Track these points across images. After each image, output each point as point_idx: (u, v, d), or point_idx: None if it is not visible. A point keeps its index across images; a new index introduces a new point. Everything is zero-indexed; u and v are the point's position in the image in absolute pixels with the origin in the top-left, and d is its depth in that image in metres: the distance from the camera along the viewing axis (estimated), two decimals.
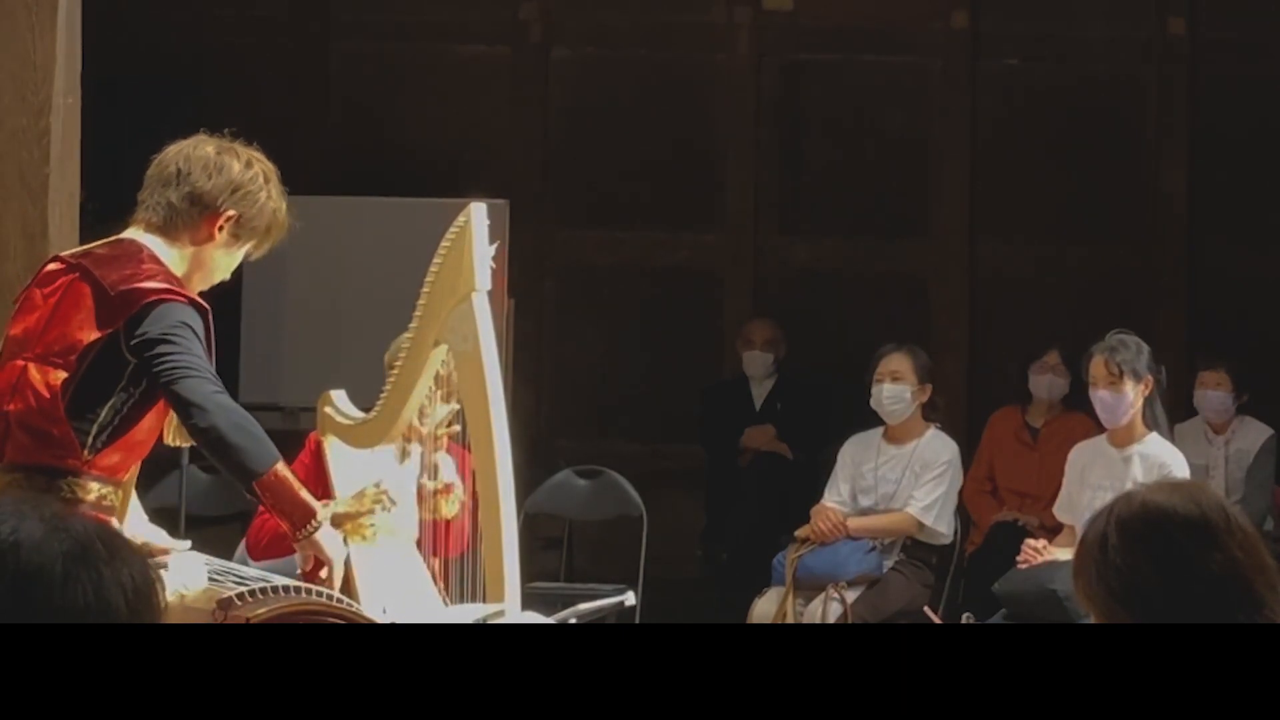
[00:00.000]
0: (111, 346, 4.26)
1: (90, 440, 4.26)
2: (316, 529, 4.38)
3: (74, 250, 4.52)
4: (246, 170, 4.46)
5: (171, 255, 4.41)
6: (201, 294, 4.43)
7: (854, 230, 10.23)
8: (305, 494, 4.39)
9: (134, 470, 4.44)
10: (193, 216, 4.41)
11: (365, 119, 10.29)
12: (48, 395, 4.25)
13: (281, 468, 4.32)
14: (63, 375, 4.26)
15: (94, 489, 4.27)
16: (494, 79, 10.33)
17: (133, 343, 4.25)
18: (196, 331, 4.28)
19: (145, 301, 4.25)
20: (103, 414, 4.27)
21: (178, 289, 4.31)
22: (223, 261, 4.49)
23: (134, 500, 4.51)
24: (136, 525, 4.46)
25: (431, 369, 4.86)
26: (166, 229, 4.42)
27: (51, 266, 4.43)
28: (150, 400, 4.32)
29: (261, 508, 5.41)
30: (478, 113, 10.29)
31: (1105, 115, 10.14)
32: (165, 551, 4.44)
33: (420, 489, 5.25)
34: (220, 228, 4.43)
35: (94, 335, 4.27)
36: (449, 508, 5.24)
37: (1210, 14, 10.04)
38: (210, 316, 4.37)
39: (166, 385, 4.24)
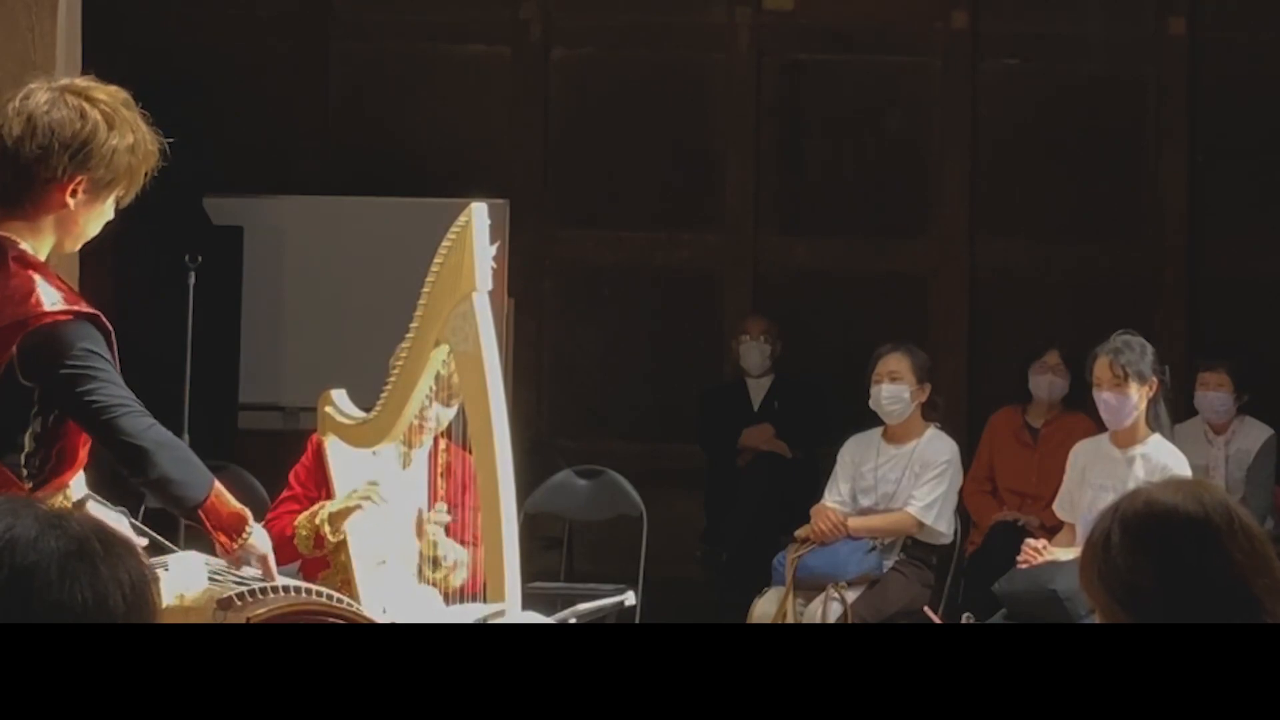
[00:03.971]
0: (8, 376, 3.86)
1: (24, 471, 3.92)
2: (251, 533, 4.13)
3: None
4: (82, 123, 3.94)
5: (35, 238, 3.97)
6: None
7: (854, 230, 10.22)
8: (234, 502, 4.14)
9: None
10: (37, 190, 3.94)
11: (365, 119, 10.29)
12: None
13: (217, 486, 4.05)
14: None
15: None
16: (494, 79, 10.32)
17: (31, 370, 3.87)
18: (101, 352, 3.90)
19: (33, 327, 3.86)
20: (27, 442, 3.91)
21: (64, 307, 3.90)
22: (92, 219, 4.02)
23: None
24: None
25: (432, 369, 4.86)
26: (15, 210, 3.96)
27: None
28: None
29: (269, 515, 5.40)
30: (478, 113, 10.29)
31: (1105, 115, 10.14)
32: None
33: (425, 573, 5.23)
34: (72, 193, 3.95)
35: None
36: (458, 577, 5.23)
37: (1210, 14, 10.04)
38: (102, 321, 3.95)
39: (97, 425, 3.89)
